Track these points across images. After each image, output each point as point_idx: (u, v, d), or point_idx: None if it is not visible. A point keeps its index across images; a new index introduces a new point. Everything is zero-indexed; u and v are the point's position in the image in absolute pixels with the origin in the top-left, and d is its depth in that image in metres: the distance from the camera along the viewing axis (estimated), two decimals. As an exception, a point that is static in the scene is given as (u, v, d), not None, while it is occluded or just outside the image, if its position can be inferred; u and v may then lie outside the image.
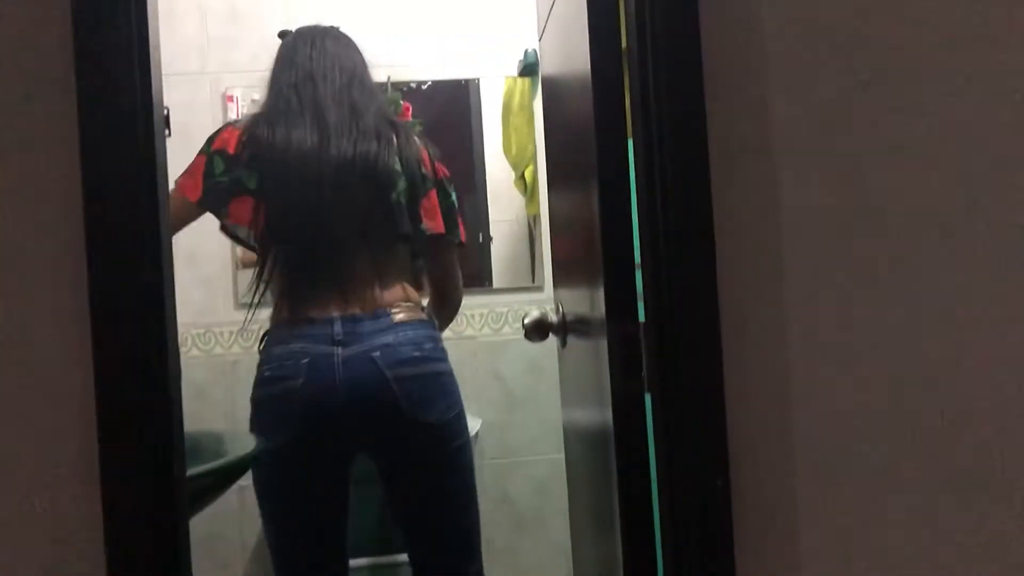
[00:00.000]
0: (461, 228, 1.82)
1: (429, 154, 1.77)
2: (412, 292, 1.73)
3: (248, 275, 2.56)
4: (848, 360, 1.03)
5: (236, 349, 2.57)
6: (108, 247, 0.98)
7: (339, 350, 1.59)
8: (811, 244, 1.03)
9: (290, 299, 1.66)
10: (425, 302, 1.81)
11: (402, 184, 1.68)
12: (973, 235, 1.03)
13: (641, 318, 1.15)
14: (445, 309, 1.86)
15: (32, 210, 1.00)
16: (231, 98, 2.65)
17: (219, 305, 2.58)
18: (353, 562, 1.84)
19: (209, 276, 2.57)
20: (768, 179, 1.03)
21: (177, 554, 1.00)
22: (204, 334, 2.56)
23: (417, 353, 1.62)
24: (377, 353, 1.59)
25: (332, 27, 1.82)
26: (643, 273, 1.12)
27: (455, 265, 1.84)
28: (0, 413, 1.00)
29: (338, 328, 1.60)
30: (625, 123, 1.19)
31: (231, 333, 2.57)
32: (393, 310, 1.64)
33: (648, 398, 1.16)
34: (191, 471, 1.45)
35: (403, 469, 1.69)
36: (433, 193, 1.74)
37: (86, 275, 0.98)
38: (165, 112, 1.08)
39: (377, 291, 1.65)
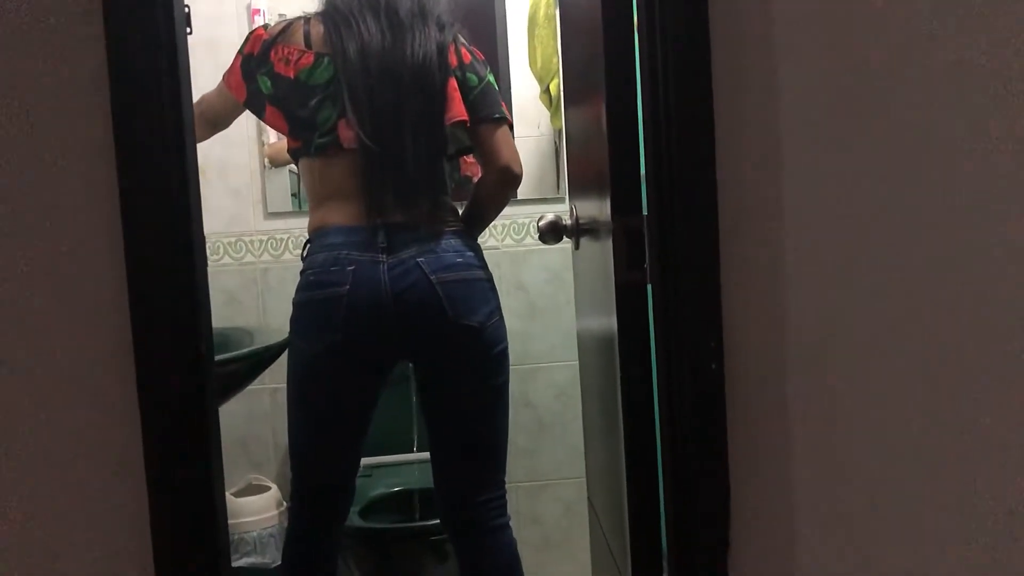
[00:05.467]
0: (503, 106, 1.74)
1: (455, 44, 1.72)
2: (450, 203, 1.74)
3: (277, 177, 2.64)
4: (842, 253, 1.07)
5: (266, 257, 2.64)
6: (134, 142, 1.04)
7: (384, 257, 1.62)
8: (810, 139, 1.06)
9: (330, 207, 1.68)
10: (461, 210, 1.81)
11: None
12: (971, 143, 1.06)
13: (644, 212, 1.20)
14: (500, 191, 1.78)
15: (62, 115, 1.06)
16: (257, 11, 2.66)
17: (249, 214, 2.64)
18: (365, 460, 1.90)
19: (239, 186, 2.63)
20: (768, 79, 1.05)
21: (207, 425, 1.07)
22: (235, 243, 2.63)
23: (460, 259, 1.65)
24: (422, 259, 1.62)
25: None
26: (646, 166, 1.16)
27: (497, 143, 1.72)
28: (42, 309, 1.07)
29: (382, 236, 1.62)
30: (633, 36, 1.22)
31: (261, 242, 2.64)
32: (433, 220, 1.66)
33: (650, 290, 1.21)
34: (222, 356, 1.54)
35: (443, 370, 1.72)
36: (452, 82, 1.69)
37: (116, 175, 1.04)
38: (186, 9, 1.12)
39: (417, 201, 1.66)
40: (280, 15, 2.66)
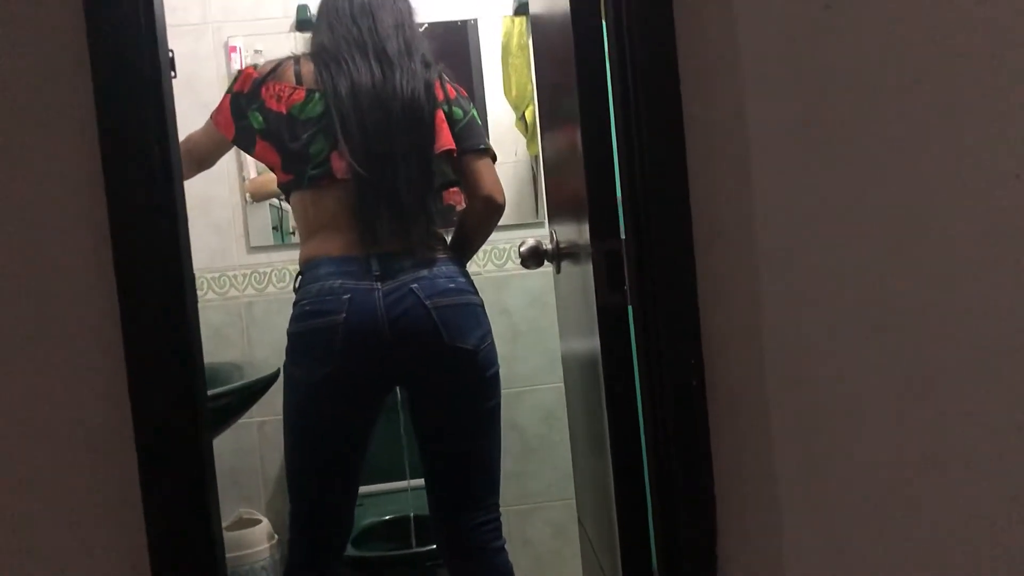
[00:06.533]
0: (486, 139, 1.82)
1: (441, 80, 1.79)
2: (438, 231, 1.79)
3: (258, 211, 2.67)
4: (813, 267, 1.11)
5: (250, 291, 2.66)
6: (124, 186, 1.06)
7: (379, 284, 1.65)
8: (777, 159, 1.10)
9: (322, 238, 1.72)
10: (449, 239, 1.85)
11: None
12: (922, 125, 1.10)
13: (623, 236, 1.24)
14: (484, 220, 1.83)
15: (49, 163, 1.08)
16: (234, 48, 2.70)
17: (232, 249, 2.66)
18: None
19: (221, 222, 2.65)
20: (736, 104, 1.10)
21: (203, 459, 1.09)
22: (219, 278, 2.65)
23: (452, 285, 1.69)
24: (416, 285, 1.65)
25: None
26: (621, 192, 1.20)
27: (481, 173, 1.79)
28: (38, 350, 1.09)
29: (375, 264, 1.66)
30: (605, 66, 1.26)
31: (244, 276, 2.66)
32: (423, 248, 1.71)
33: (631, 312, 1.24)
34: (214, 391, 1.56)
35: (437, 394, 1.74)
36: (439, 114, 1.75)
37: (107, 218, 1.07)
38: (170, 54, 1.15)
39: (410, 228, 1.70)
40: (256, 51, 2.70)
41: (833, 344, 1.11)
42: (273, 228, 2.71)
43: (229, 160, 2.58)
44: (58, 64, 1.06)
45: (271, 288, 2.66)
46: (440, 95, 1.77)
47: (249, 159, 2.63)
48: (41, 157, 1.06)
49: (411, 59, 1.74)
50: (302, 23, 2.64)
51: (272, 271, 2.67)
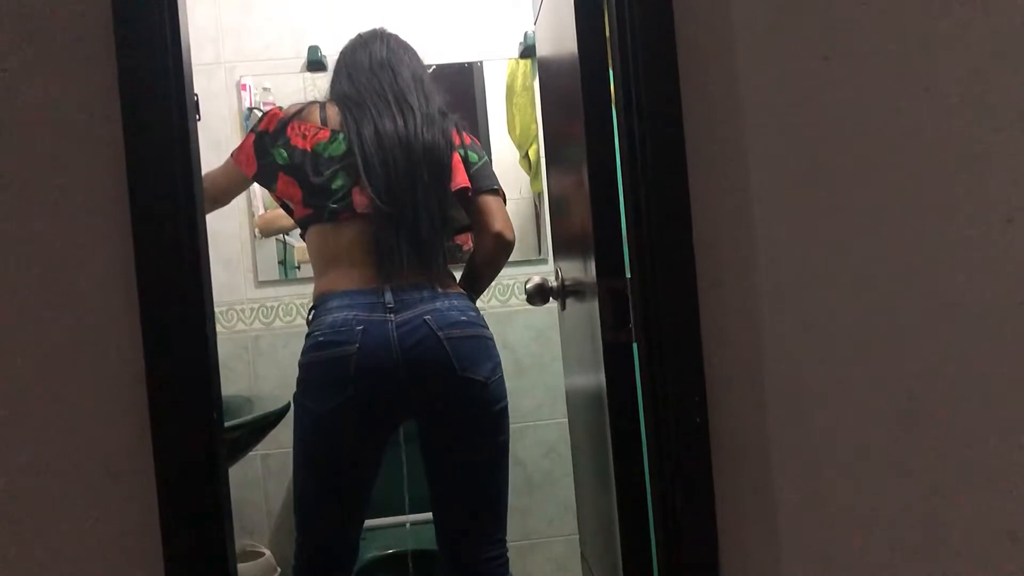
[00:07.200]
0: (497, 181, 1.89)
1: (456, 128, 1.88)
2: (448, 268, 1.84)
3: (266, 246, 2.71)
4: (812, 305, 1.14)
5: (257, 325, 2.70)
6: (150, 225, 1.11)
7: (392, 316, 1.69)
8: (777, 201, 1.15)
9: (337, 272, 1.77)
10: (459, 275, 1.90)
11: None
12: (920, 172, 1.15)
13: (628, 275, 1.27)
14: (494, 257, 1.88)
15: (80, 196, 1.12)
16: (244, 86, 2.76)
17: (240, 284, 2.70)
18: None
19: (229, 256, 2.69)
20: (738, 148, 1.14)
21: (220, 490, 1.12)
22: (226, 311, 2.68)
23: (464, 318, 1.74)
24: (429, 316, 1.70)
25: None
26: (627, 233, 1.24)
27: (493, 211, 1.86)
28: (62, 386, 1.13)
29: (388, 297, 1.71)
30: (611, 110, 1.31)
31: (252, 310, 2.70)
32: (435, 282, 1.76)
33: (635, 349, 1.28)
34: (230, 423, 1.59)
35: (447, 426, 1.77)
36: (456, 156, 1.83)
37: (133, 257, 1.11)
38: (195, 99, 1.19)
39: (427, 263, 1.76)
40: (264, 88, 2.77)
41: (832, 382, 1.14)
42: (279, 262, 2.75)
43: (239, 196, 2.62)
44: (88, 107, 1.11)
45: (278, 322, 2.69)
46: (456, 141, 1.85)
47: (259, 194, 2.68)
48: (70, 198, 1.11)
49: (430, 109, 1.83)
50: (313, 63, 2.70)
51: (279, 305, 2.70)
